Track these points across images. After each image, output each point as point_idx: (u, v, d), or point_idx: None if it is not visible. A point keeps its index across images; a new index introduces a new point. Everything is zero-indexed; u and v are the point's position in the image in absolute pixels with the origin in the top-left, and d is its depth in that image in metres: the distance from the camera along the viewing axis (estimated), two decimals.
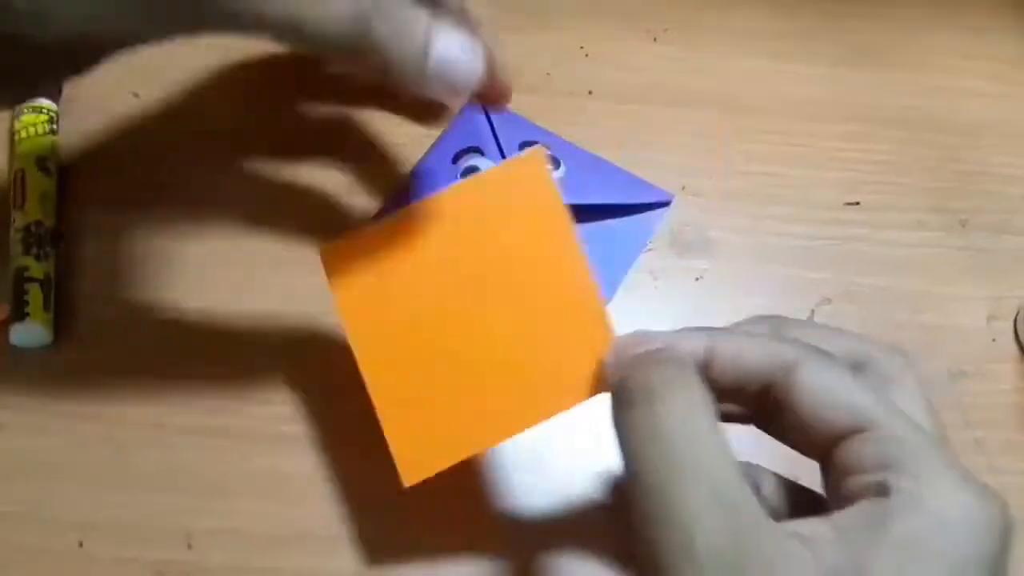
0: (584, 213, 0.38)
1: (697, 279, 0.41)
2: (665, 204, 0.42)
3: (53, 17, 0.25)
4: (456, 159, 0.41)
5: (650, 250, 0.41)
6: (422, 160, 0.42)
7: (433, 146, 0.43)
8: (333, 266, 0.30)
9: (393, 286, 0.30)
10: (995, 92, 0.48)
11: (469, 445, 0.30)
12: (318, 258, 0.30)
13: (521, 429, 0.30)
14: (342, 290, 0.30)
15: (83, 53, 0.27)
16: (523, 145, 0.42)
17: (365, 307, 0.30)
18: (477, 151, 0.41)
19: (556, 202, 0.30)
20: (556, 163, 0.41)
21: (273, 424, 0.36)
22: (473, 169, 0.40)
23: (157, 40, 0.26)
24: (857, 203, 0.44)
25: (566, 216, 0.30)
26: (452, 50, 0.27)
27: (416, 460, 0.29)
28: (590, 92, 0.46)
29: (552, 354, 0.30)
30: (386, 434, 0.29)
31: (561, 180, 0.40)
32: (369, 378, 0.30)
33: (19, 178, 0.38)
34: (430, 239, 0.30)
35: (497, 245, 0.30)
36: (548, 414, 0.29)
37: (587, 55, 0.47)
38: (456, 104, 0.30)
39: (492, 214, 0.30)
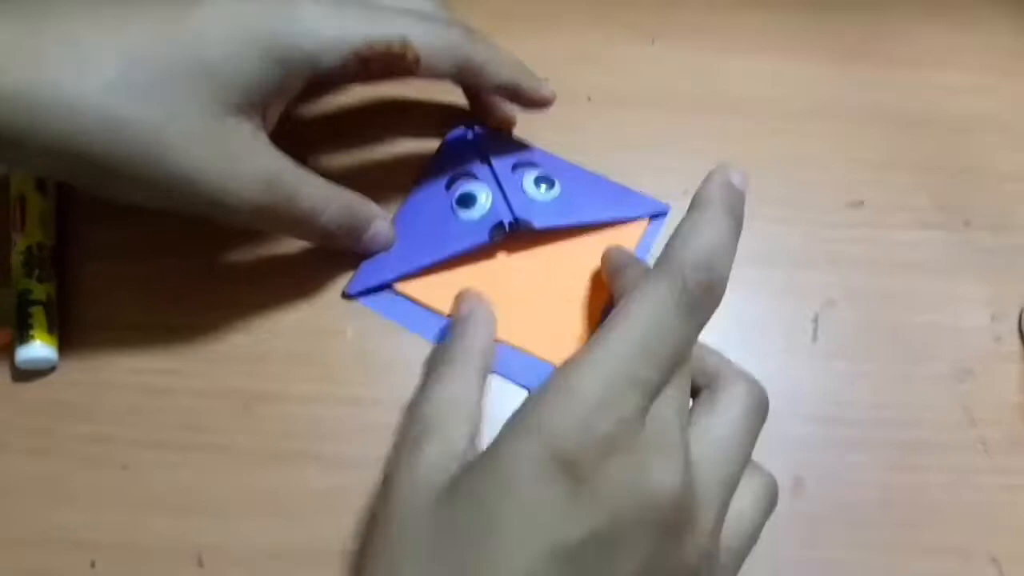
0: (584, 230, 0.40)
1: None
2: (663, 214, 0.42)
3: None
4: (449, 186, 0.41)
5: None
6: (415, 189, 0.42)
7: (425, 174, 0.42)
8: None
9: None
10: (989, 86, 0.48)
11: None
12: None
13: None
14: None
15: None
16: (516, 167, 0.41)
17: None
18: (470, 176, 0.41)
19: None
20: (551, 183, 0.40)
21: (280, 440, 0.36)
22: (468, 196, 0.40)
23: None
24: (861, 202, 0.44)
25: None
26: None
27: None
28: (589, 98, 0.46)
29: None
30: None
31: (556, 200, 0.40)
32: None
33: (19, 201, 0.38)
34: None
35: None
36: None
37: (585, 60, 0.47)
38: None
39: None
